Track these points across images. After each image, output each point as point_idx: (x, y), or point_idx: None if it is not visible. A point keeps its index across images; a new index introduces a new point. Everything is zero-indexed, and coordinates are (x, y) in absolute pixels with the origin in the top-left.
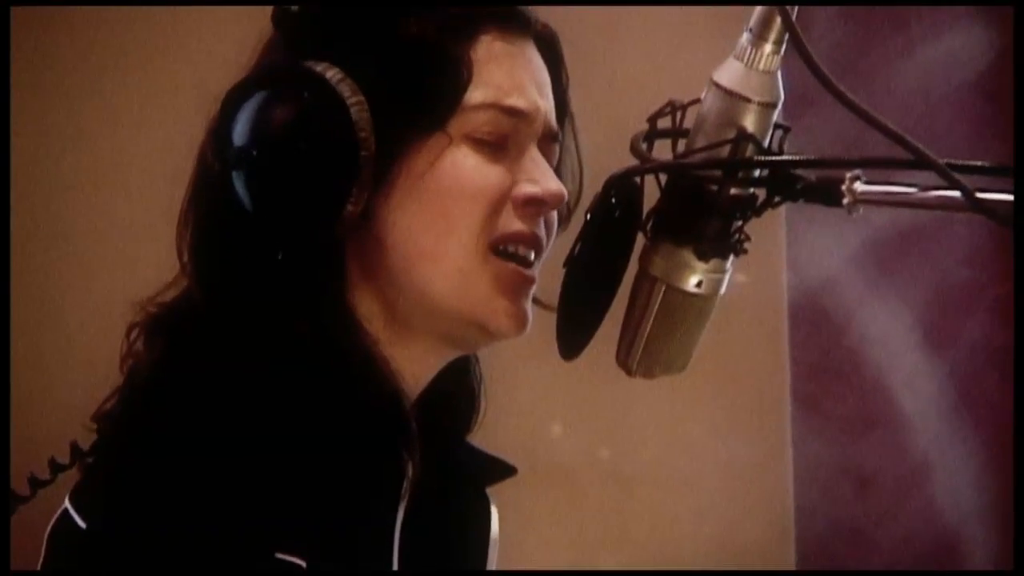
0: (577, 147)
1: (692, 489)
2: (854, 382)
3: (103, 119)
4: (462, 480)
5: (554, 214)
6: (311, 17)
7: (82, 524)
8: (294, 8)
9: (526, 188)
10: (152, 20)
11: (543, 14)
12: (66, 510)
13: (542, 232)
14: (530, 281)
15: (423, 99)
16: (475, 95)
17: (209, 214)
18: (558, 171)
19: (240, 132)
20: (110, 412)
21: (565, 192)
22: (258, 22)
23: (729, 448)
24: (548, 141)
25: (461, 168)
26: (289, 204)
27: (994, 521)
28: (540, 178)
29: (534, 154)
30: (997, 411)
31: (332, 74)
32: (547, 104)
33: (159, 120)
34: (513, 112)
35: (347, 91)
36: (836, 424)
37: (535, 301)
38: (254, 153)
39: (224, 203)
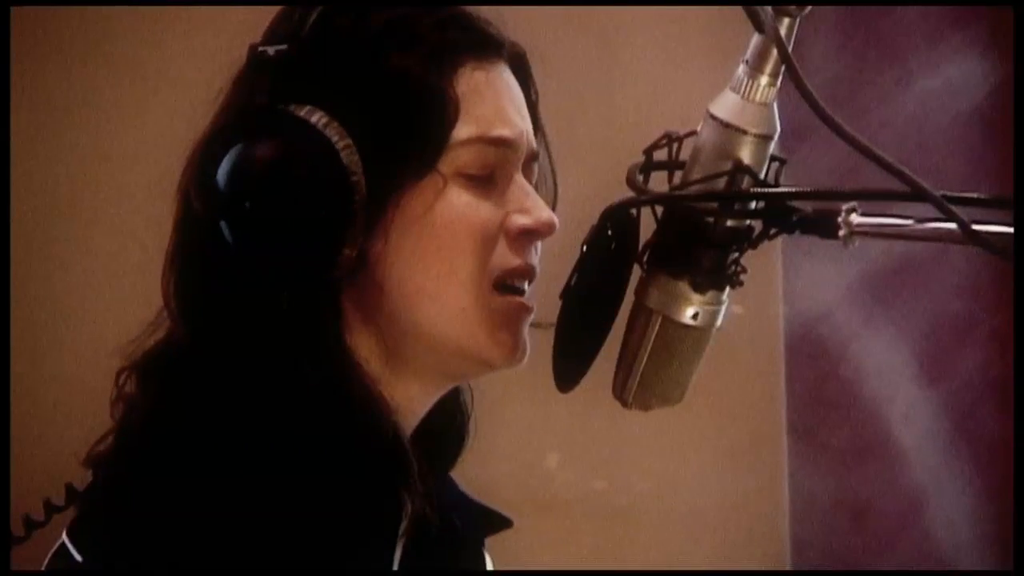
0: (549, 154)
1: (688, 521)
2: (850, 413)
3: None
4: (457, 532)
5: None
6: (289, 59)
7: (78, 557)
8: (271, 51)
9: (519, 220)
10: (146, 48)
11: (540, 44)
12: (63, 544)
13: (536, 262)
14: (529, 310)
15: (412, 139)
16: (462, 130)
17: (199, 260)
18: (535, 184)
19: (228, 180)
20: (104, 454)
21: (556, 220)
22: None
23: (725, 480)
24: (529, 162)
25: (456, 207)
26: (284, 252)
27: (990, 553)
28: (531, 207)
29: (521, 182)
30: (993, 442)
31: (317, 118)
32: (528, 125)
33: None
34: (500, 142)
35: (335, 135)
36: (832, 455)
37: (532, 324)
38: (246, 204)
39: (214, 249)
